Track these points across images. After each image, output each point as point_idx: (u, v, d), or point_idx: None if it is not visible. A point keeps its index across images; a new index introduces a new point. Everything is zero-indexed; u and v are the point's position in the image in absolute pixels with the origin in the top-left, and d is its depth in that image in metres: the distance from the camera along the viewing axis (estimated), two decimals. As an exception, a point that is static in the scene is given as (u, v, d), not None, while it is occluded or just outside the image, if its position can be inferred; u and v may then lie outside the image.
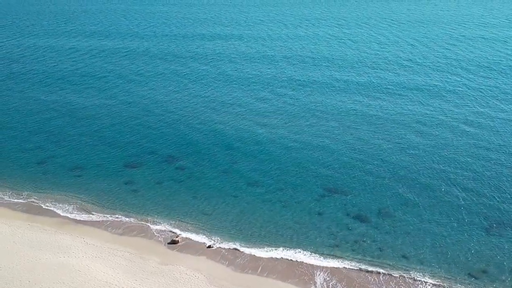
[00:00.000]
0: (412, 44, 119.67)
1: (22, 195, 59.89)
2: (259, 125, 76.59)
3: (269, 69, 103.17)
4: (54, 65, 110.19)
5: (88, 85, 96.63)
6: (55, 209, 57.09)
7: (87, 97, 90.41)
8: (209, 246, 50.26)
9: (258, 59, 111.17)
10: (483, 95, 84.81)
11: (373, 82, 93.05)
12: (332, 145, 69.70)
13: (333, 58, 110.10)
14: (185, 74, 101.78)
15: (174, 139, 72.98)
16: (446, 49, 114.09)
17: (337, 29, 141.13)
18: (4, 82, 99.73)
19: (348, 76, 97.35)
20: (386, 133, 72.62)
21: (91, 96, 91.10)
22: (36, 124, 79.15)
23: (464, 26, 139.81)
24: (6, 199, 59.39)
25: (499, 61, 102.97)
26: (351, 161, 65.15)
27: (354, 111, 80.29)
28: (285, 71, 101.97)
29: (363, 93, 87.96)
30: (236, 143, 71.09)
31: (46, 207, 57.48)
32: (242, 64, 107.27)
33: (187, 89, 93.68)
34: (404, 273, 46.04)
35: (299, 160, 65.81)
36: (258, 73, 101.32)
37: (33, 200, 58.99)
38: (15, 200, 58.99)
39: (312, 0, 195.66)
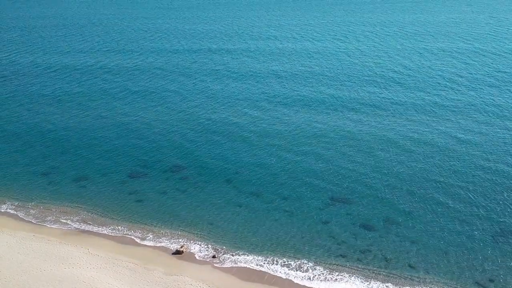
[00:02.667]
0: (411, 58, 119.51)
1: (27, 206, 59.87)
2: (263, 135, 76.55)
3: (272, 84, 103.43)
4: (59, 79, 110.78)
5: (91, 98, 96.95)
6: (59, 220, 57.00)
7: (90, 109, 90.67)
8: (214, 256, 50.02)
9: (261, 75, 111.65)
10: (483, 110, 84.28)
11: (373, 98, 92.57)
12: (337, 155, 69.55)
13: (331, 74, 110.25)
14: (188, 88, 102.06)
15: (178, 149, 72.99)
16: (447, 62, 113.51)
17: (336, 42, 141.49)
18: (11, 95, 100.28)
19: (346, 92, 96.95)
20: (390, 145, 72.42)
21: (95, 108, 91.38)
22: (41, 135, 79.29)
23: (470, 38, 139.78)
24: (11, 210, 59.38)
25: (501, 76, 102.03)
26: (356, 171, 64.93)
27: (355, 125, 80.00)
28: (285, 86, 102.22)
29: (363, 109, 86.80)
30: (240, 153, 71.03)
31: (51, 218, 57.42)
32: (245, 79, 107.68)
33: (191, 102, 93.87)
34: (410, 282, 45.62)
35: (304, 170, 65.65)
36: (262, 88, 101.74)
37: (37, 211, 58.95)
38: (20, 211, 58.96)
39: (313, 9, 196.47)
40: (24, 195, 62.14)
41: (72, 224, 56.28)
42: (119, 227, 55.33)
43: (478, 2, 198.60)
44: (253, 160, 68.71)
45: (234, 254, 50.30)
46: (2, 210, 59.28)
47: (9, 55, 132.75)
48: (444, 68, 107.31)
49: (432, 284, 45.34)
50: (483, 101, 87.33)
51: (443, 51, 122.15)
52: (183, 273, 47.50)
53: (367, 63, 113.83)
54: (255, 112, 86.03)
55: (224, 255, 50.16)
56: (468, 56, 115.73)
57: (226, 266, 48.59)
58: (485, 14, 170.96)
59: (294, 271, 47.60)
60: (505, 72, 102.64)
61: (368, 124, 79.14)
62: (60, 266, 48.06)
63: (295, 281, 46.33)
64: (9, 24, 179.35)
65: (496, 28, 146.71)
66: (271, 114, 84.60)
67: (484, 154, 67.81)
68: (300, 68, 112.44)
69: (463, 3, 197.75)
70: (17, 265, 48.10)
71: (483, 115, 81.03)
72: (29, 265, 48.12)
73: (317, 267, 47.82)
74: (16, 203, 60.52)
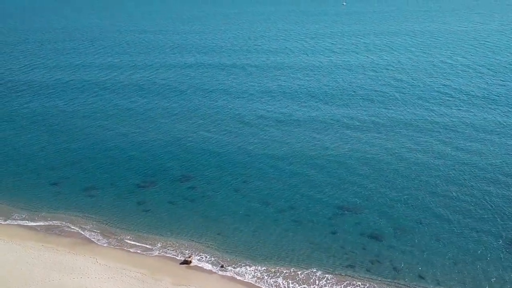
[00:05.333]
0: (419, 71, 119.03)
1: (35, 216, 60.10)
2: (271, 146, 76.46)
3: (278, 99, 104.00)
4: (70, 92, 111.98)
5: (101, 111, 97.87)
6: (68, 230, 57.15)
7: (100, 121, 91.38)
8: (222, 266, 49.77)
9: (266, 91, 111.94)
10: (488, 126, 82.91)
11: (380, 113, 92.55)
12: (345, 166, 69.21)
13: (334, 90, 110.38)
14: (197, 101, 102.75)
15: (186, 158, 73.06)
16: (456, 76, 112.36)
17: (341, 55, 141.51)
18: (24, 107, 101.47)
19: (352, 108, 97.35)
20: (398, 157, 72.11)
21: (104, 119, 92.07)
22: (50, 146, 79.90)
23: (481, 49, 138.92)
24: (20, 220, 59.65)
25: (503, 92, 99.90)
26: (364, 181, 64.51)
27: (362, 139, 79.78)
28: (291, 102, 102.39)
29: (368, 124, 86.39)
30: (248, 162, 70.90)
31: (59, 228, 57.58)
32: (249, 95, 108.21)
33: (200, 112, 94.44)
34: (420, 293, 45.02)
35: (311, 179, 65.34)
36: (268, 103, 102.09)
37: (46, 221, 59.10)
38: (29, 221, 59.21)
39: (320, 19, 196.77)
40: (33, 205, 62.45)
41: (80, 234, 56.37)
42: (127, 237, 55.32)
43: (489, 11, 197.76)
44: (261, 170, 68.51)
45: (242, 264, 50.02)
46: (12, 220, 59.59)
47: (23, 67, 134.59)
48: (451, 84, 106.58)
49: (443, 295, 44.68)
50: (488, 117, 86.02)
51: (454, 63, 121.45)
52: (191, 283, 47.26)
53: (374, 77, 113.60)
54: (262, 125, 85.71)
55: (232, 265, 49.87)
56: (477, 69, 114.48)
57: (234, 277, 48.29)
58: (496, 23, 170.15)
59: (302, 281, 47.14)
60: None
61: (375, 138, 78.30)
62: (69, 276, 48.08)
63: (303, 291, 45.96)
64: (23, 37, 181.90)
65: (508, 37, 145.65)
66: (279, 128, 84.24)
67: (491, 168, 66.97)
68: (306, 83, 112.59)
69: (473, 12, 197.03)
70: (26, 274, 48.19)
71: (489, 132, 79.46)
72: (38, 275, 48.20)
73: (325, 277, 47.31)
74: (25, 213, 60.79)
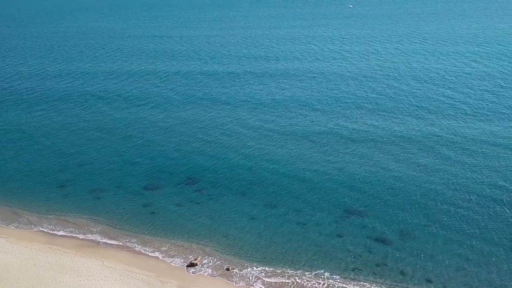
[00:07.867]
0: (425, 79, 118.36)
1: (42, 219, 60.38)
2: (276, 152, 76.10)
3: (286, 106, 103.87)
4: (76, 98, 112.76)
5: (108, 112, 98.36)
6: (74, 232, 57.44)
7: (107, 122, 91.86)
8: (228, 269, 49.75)
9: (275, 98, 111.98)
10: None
11: (387, 119, 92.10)
12: (351, 167, 69.09)
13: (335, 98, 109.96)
14: (205, 101, 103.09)
15: (192, 161, 73.21)
16: (462, 85, 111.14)
17: (332, 62, 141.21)
18: (33, 111, 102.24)
19: (359, 110, 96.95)
20: (404, 157, 71.76)
21: (111, 120, 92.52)
22: (57, 148, 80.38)
23: (491, 55, 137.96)
24: (27, 222, 60.01)
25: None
26: (370, 185, 64.28)
27: (367, 143, 79.62)
28: (296, 109, 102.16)
29: (374, 130, 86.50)
30: (253, 167, 70.79)
31: (66, 230, 57.88)
32: (255, 103, 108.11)
33: (206, 114, 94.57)
34: (427, 297, 44.68)
35: (316, 184, 65.14)
36: (274, 111, 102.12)
37: (53, 223, 59.41)
38: (36, 224, 59.53)
39: (329, 22, 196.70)
40: (40, 207, 62.80)
41: (87, 236, 56.62)
42: (134, 239, 55.48)
43: (500, 13, 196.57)
44: (266, 175, 68.39)
45: (248, 267, 49.97)
46: (19, 223, 59.96)
47: (34, 71, 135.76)
48: (459, 94, 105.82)
49: (450, 299, 44.32)
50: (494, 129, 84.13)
51: (464, 69, 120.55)
52: (197, 286, 47.30)
53: (382, 84, 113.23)
54: (267, 132, 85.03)
55: (238, 268, 49.84)
56: (487, 74, 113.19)
57: (240, 279, 48.24)
58: (507, 25, 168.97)
59: (308, 283, 46.99)
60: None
61: (381, 146, 77.26)
62: (75, 278, 48.29)
63: (309, 295, 45.79)
64: (32, 43, 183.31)
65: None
66: (283, 135, 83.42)
67: (499, 177, 66.13)
68: (313, 92, 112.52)
69: (483, 14, 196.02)
70: (33, 277, 48.46)
71: (499, 144, 77.48)
72: (45, 277, 48.46)
73: (331, 281, 47.16)
74: (32, 216, 61.11)
